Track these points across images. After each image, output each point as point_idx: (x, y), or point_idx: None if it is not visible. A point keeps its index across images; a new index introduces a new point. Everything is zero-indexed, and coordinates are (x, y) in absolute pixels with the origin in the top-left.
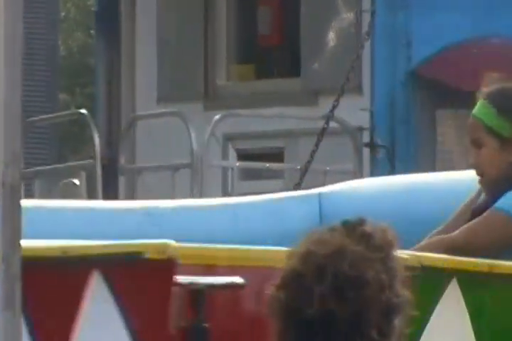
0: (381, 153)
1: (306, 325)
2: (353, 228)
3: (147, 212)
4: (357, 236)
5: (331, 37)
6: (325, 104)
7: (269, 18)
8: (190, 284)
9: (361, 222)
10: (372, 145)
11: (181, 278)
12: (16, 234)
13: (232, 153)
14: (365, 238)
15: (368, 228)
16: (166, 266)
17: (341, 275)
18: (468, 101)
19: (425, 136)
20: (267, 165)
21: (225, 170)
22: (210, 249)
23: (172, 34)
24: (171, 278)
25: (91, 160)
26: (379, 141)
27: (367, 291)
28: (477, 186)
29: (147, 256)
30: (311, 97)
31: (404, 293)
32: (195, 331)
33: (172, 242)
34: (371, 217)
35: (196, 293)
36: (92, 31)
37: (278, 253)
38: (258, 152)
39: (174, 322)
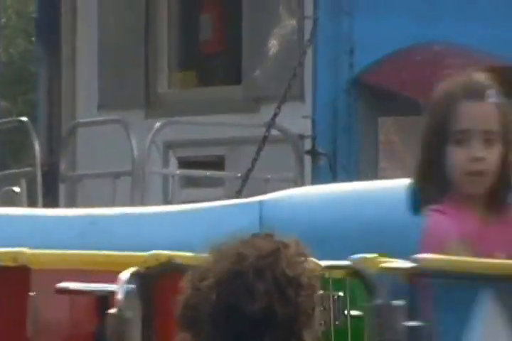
0: (323, 161)
1: (245, 324)
2: (272, 237)
3: (91, 220)
4: (278, 244)
5: (273, 44)
6: (266, 112)
7: (210, 25)
8: (95, 291)
9: (272, 234)
10: (313, 153)
11: (85, 286)
12: None
13: (173, 161)
14: (285, 246)
15: (283, 238)
16: (19, 273)
17: (280, 275)
18: (411, 108)
19: (367, 144)
20: (208, 173)
21: (165, 177)
22: (72, 254)
23: (113, 41)
24: (26, 284)
25: (31, 168)
26: (321, 149)
27: (304, 292)
28: None
29: (0, 263)
30: (252, 105)
31: (318, 309)
32: (102, 336)
33: (26, 250)
34: (313, 226)
35: (101, 300)
36: (33, 38)
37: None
38: (199, 160)
39: (31, 327)
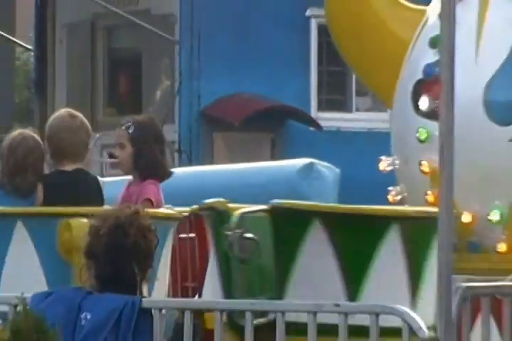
0: (184, 156)
1: (123, 253)
2: (131, 207)
3: None
4: (135, 210)
5: (158, 94)
6: None
7: (125, 81)
8: None
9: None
10: (179, 152)
11: None
12: None
13: (105, 155)
14: (139, 211)
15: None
16: None
17: (140, 225)
18: (231, 127)
19: (207, 149)
20: None
21: (101, 165)
22: None
23: (75, 91)
24: None
25: None
26: (183, 149)
27: (151, 234)
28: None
29: None
30: None
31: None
32: None
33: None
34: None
35: None
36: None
37: None
38: None
39: None
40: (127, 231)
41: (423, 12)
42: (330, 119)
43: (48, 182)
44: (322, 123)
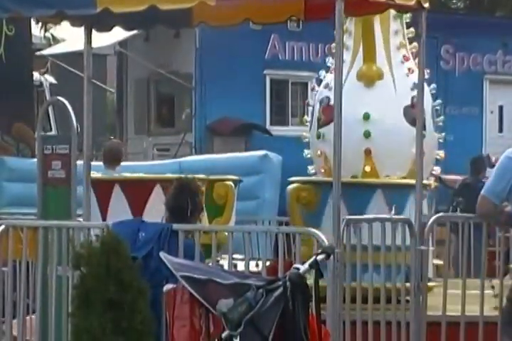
0: (197, 150)
1: (181, 209)
2: (187, 176)
3: None
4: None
5: (184, 116)
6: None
7: (166, 109)
8: None
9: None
10: (195, 147)
11: None
12: None
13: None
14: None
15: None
16: None
17: (195, 187)
18: (224, 134)
19: (210, 146)
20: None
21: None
22: None
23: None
24: None
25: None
26: (196, 146)
27: (200, 193)
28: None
29: None
30: None
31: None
32: None
33: None
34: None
35: None
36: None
37: None
38: None
39: None
40: (188, 193)
41: None
42: (277, 130)
43: None
44: (273, 132)
